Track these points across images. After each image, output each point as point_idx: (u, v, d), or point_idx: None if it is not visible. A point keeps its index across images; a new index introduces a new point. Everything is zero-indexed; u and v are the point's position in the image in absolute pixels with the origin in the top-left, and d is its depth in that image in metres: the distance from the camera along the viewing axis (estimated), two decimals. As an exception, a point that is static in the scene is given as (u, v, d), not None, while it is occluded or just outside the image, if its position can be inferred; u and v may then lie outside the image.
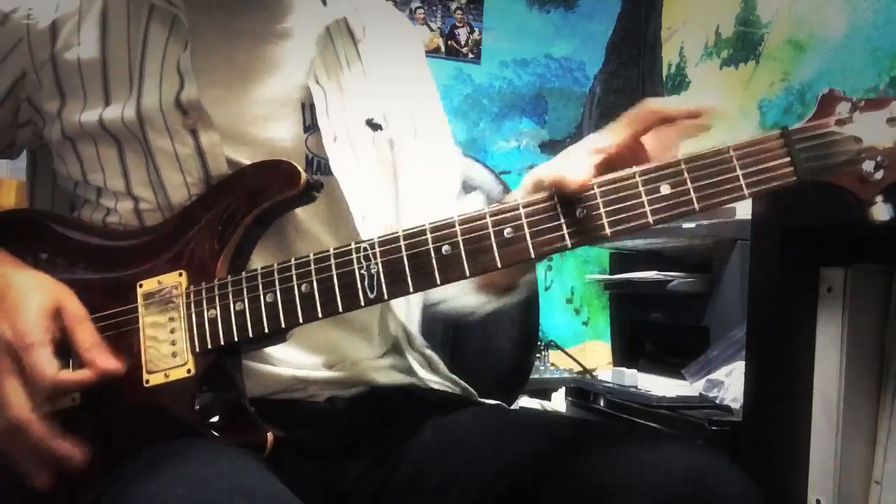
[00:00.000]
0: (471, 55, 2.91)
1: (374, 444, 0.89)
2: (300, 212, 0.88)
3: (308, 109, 0.89)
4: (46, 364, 0.73)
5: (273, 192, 0.81)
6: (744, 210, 1.47)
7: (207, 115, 0.84)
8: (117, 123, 0.85)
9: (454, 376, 0.97)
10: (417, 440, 0.87)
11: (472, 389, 0.97)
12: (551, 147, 3.03)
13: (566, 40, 2.96)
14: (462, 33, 2.91)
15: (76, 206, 0.93)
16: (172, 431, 0.75)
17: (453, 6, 2.88)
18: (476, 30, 2.91)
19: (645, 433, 0.76)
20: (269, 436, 0.76)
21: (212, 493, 0.61)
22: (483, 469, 0.78)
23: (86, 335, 0.77)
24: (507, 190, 1.22)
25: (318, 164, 0.89)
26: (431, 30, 2.88)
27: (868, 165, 0.68)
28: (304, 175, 0.81)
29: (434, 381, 0.94)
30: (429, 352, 0.96)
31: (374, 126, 0.93)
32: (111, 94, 0.86)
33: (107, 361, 0.76)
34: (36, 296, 0.76)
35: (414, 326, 0.98)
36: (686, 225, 1.62)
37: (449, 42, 2.90)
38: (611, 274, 2.00)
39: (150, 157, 0.86)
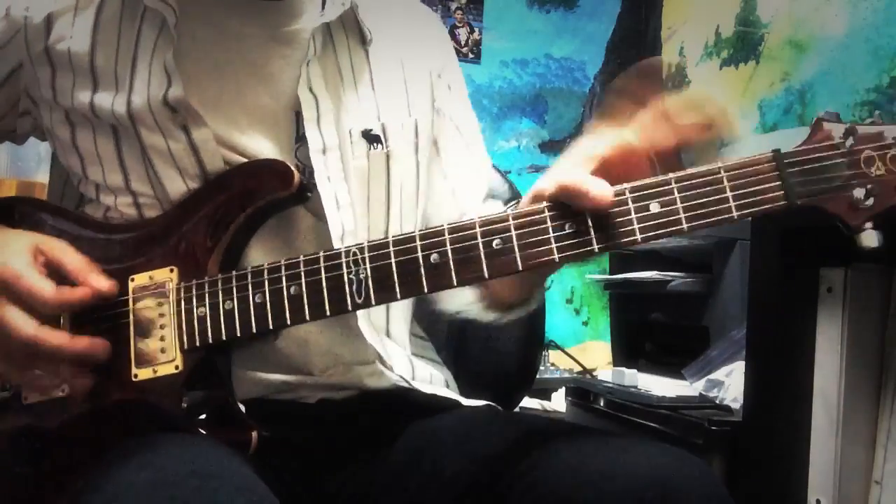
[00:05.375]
0: (471, 55, 2.91)
1: (362, 447, 0.89)
2: (298, 216, 0.88)
3: (301, 118, 0.88)
4: (42, 285, 0.75)
5: (266, 191, 0.82)
6: (744, 210, 1.47)
7: (196, 113, 0.84)
8: (107, 112, 0.86)
9: (441, 387, 0.97)
10: (403, 442, 0.87)
11: (457, 397, 0.97)
12: (551, 147, 3.03)
13: (566, 40, 2.96)
14: (462, 33, 2.91)
15: (82, 204, 0.94)
16: (159, 426, 0.76)
17: (453, 6, 2.88)
18: (476, 30, 2.91)
19: (617, 437, 0.75)
20: (254, 434, 0.77)
21: (171, 475, 0.63)
22: (461, 470, 0.77)
23: (72, 259, 0.79)
24: (513, 189, 1.20)
25: (311, 174, 0.87)
26: (431, 30, 2.88)
27: (859, 192, 0.67)
28: (297, 176, 0.81)
29: (424, 387, 0.93)
30: (415, 360, 0.96)
31: (371, 138, 0.91)
32: (99, 87, 0.87)
33: (98, 280, 0.78)
34: (12, 241, 0.79)
35: (400, 332, 0.98)
36: (686, 225, 1.62)
37: (449, 42, 2.90)
38: (611, 274, 2.00)
39: (145, 154, 0.86)
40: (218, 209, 0.82)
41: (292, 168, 0.82)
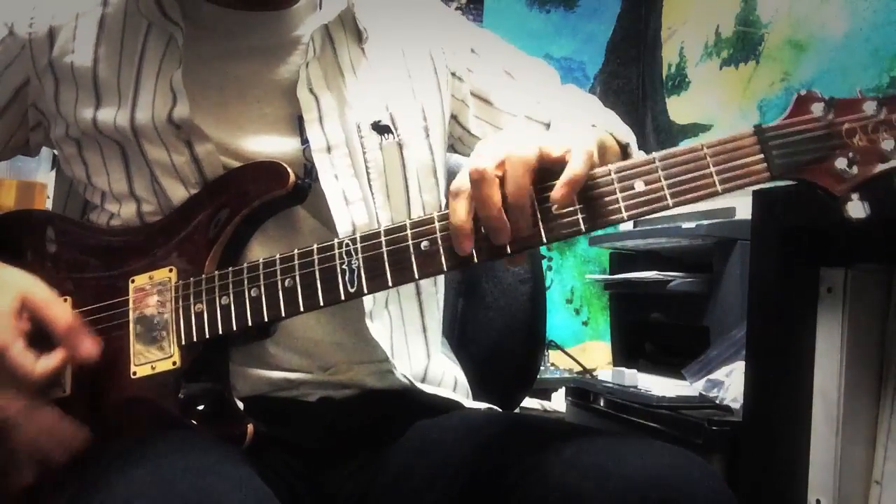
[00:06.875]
0: (471, 55, 2.91)
1: (363, 446, 0.89)
2: (300, 219, 0.88)
3: (303, 119, 0.88)
4: (23, 361, 0.76)
5: (262, 192, 0.83)
6: (744, 210, 1.47)
7: (200, 130, 0.85)
8: (109, 127, 0.87)
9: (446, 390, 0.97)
10: (403, 442, 0.87)
11: (459, 400, 0.97)
12: (551, 147, 3.02)
13: (566, 40, 2.96)
14: (462, 33, 2.91)
15: (87, 210, 0.95)
16: (157, 422, 0.77)
17: (453, 6, 2.88)
18: (476, 30, 2.91)
19: (620, 436, 0.75)
20: (250, 427, 0.78)
21: (169, 471, 0.64)
22: (462, 470, 0.78)
23: (56, 317, 0.79)
24: None
25: (317, 174, 0.88)
26: (431, 30, 2.88)
27: (841, 163, 0.68)
28: (292, 176, 0.82)
29: (426, 388, 0.93)
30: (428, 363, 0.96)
31: (381, 129, 0.91)
32: (101, 102, 0.88)
33: (79, 343, 0.78)
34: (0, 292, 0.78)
35: (435, 324, 0.98)
36: (686, 225, 1.62)
37: (449, 42, 2.90)
38: (611, 274, 2.00)
39: (148, 165, 0.87)
40: (215, 211, 0.84)
41: (287, 168, 0.83)
